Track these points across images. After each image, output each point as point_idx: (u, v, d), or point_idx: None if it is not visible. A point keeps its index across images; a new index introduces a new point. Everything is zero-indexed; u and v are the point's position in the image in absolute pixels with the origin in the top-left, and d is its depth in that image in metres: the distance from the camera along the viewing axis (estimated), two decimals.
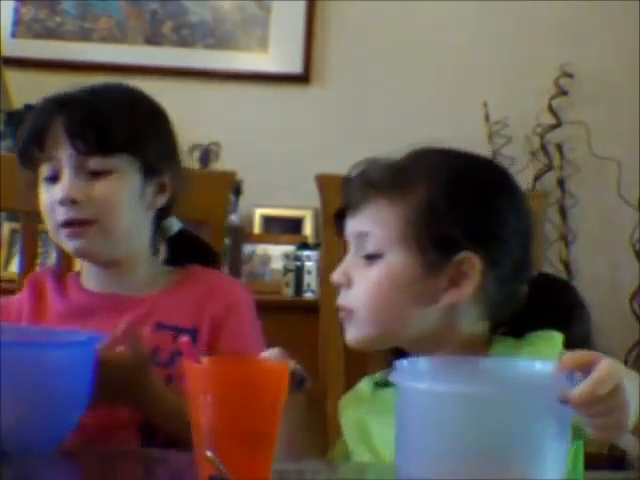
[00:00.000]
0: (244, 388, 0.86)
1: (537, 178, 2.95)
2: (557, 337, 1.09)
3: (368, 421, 1.14)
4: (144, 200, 1.35)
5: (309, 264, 2.76)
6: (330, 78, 3.07)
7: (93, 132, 1.29)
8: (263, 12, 3.06)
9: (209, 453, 0.83)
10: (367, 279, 1.09)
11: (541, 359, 0.89)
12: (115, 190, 1.32)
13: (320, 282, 1.66)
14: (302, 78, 3.05)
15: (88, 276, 1.39)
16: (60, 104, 1.32)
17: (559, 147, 2.99)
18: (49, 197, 1.32)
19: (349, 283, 1.11)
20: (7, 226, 2.75)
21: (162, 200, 1.38)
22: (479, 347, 1.10)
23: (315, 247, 2.78)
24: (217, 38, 3.05)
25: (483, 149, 2.95)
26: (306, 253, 2.78)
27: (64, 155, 1.30)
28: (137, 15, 3.05)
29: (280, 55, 3.05)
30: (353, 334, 1.11)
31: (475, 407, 0.78)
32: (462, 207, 1.09)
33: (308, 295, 2.75)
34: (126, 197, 1.33)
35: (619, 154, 2.95)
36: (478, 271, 1.08)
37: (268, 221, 3.00)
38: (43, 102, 1.36)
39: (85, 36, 3.02)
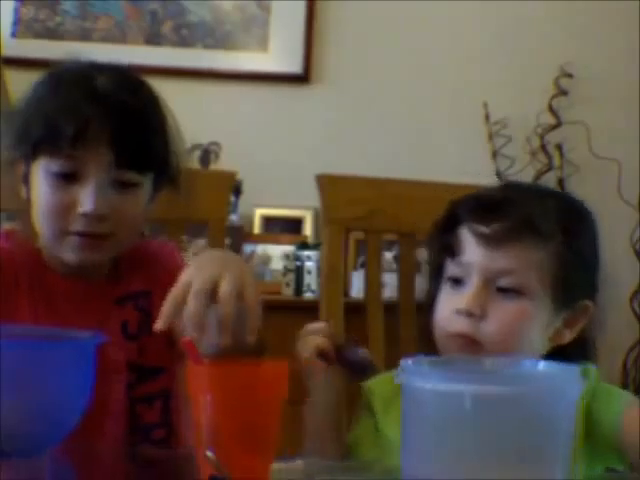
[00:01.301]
0: (244, 388, 0.86)
1: (537, 178, 2.95)
2: (594, 371, 1.16)
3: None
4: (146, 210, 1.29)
5: (309, 264, 2.77)
6: (330, 78, 3.07)
7: (138, 148, 1.21)
8: (263, 12, 3.06)
9: (209, 453, 0.83)
10: (505, 315, 1.12)
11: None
12: (138, 205, 1.25)
13: (320, 282, 1.66)
14: (302, 78, 3.05)
15: (55, 260, 1.27)
16: (99, 103, 1.20)
17: (559, 147, 2.99)
18: (60, 198, 1.20)
19: (483, 315, 1.12)
20: (7, 226, 2.75)
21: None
22: None
23: (315, 247, 2.78)
24: (217, 38, 3.05)
25: (483, 149, 2.96)
26: (306, 253, 2.79)
27: (95, 160, 1.19)
28: (137, 15, 3.05)
29: (280, 55, 3.05)
30: None
31: (481, 407, 0.78)
32: (591, 261, 1.18)
33: (308, 295, 2.75)
34: (142, 210, 1.27)
35: (619, 154, 2.94)
36: (589, 317, 1.16)
37: (268, 221, 3.00)
38: (72, 90, 1.24)
39: (85, 36, 3.02)
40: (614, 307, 1.32)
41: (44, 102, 1.25)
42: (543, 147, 2.97)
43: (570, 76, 2.99)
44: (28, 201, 1.26)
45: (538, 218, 1.13)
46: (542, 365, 0.89)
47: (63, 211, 1.20)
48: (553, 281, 1.13)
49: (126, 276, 1.32)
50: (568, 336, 1.16)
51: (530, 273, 1.12)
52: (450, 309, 1.14)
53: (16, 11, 3.03)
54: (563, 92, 2.98)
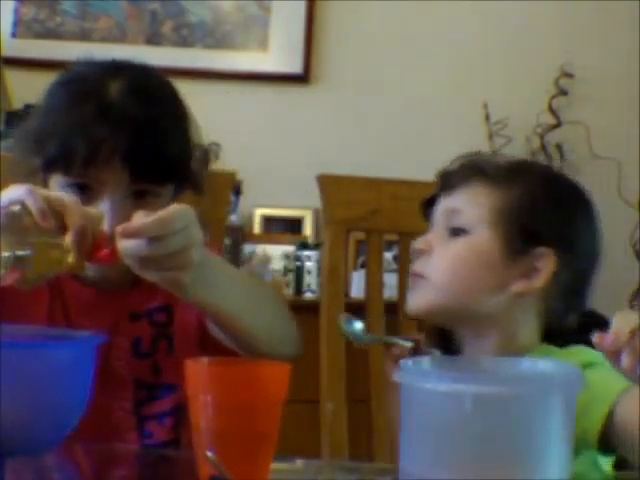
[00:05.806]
0: (244, 388, 0.86)
1: None
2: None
3: None
4: None
5: (309, 264, 2.77)
6: (330, 78, 3.07)
7: (154, 164, 1.19)
8: (263, 12, 3.06)
9: (209, 453, 0.83)
10: (449, 250, 1.15)
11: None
12: None
13: (321, 282, 1.66)
14: (302, 78, 3.05)
15: None
16: (112, 121, 1.17)
17: (559, 147, 2.99)
18: None
19: (430, 251, 1.16)
20: None
21: None
22: (522, 348, 1.14)
23: (315, 247, 2.78)
24: (217, 38, 3.05)
25: (483, 149, 2.94)
26: (306, 253, 2.79)
27: (111, 178, 1.17)
28: (137, 15, 3.05)
29: (280, 55, 3.05)
30: (419, 300, 1.17)
31: (481, 407, 0.78)
32: (551, 211, 1.17)
33: (308, 295, 2.75)
34: None
35: (619, 154, 2.94)
36: (550, 269, 1.14)
37: (268, 221, 3.00)
38: (84, 106, 1.18)
39: (85, 36, 3.02)
40: (614, 307, 1.31)
41: (57, 117, 1.20)
42: (543, 147, 2.97)
43: (570, 76, 2.99)
44: None
45: (487, 165, 1.18)
46: (541, 365, 0.88)
47: None
48: (505, 225, 1.15)
49: (148, 290, 1.26)
50: (530, 285, 1.14)
51: (477, 212, 1.15)
52: None
53: (16, 11, 3.03)
54: (563, 92, 2.98)
